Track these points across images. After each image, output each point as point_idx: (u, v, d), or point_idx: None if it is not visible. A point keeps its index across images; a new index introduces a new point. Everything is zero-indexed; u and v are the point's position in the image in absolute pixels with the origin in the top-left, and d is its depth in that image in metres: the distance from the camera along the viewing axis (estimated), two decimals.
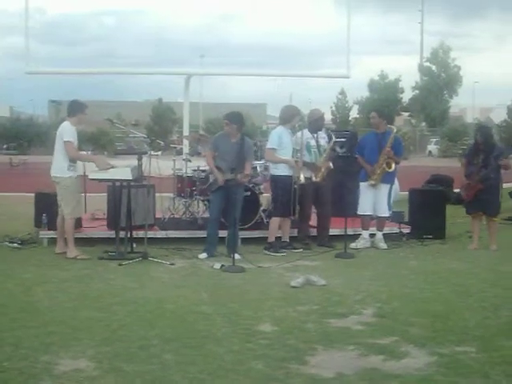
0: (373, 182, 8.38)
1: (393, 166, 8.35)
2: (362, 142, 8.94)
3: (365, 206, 8.47)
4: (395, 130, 8.46)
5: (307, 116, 8.80)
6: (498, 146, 8.87)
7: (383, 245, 8.45)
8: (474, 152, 8.41)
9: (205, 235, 7.89)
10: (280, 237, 8.27)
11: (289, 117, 8.19)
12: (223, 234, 7.91)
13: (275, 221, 8.13)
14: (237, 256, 7.24)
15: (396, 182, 12.56)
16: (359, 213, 8.46)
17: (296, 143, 8.33)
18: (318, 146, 8.38)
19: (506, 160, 8.26)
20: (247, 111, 42.06)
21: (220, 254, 7.77)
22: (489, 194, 8.26)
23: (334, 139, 8.51)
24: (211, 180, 7.74)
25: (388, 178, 8.46)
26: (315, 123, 8.53)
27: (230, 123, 7.67)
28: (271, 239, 8.09)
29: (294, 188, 7.99)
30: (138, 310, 5.33)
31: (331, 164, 8.32)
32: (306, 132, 8.46)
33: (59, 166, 7.50)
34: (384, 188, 8.46)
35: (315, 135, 8.41)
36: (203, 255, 7.63)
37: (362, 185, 8.50)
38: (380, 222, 8.60)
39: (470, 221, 8.70)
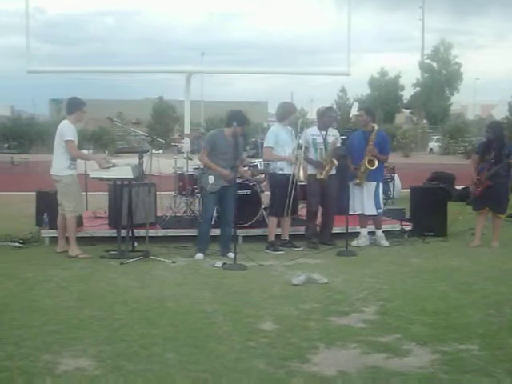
0: (357, 181, 8.35)
1: (375, 163, 8.29)
2: (349, 141, 8.85)
3: (354, 205, 8.43)
4: (376, 128, 8.39)
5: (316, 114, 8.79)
6: (510, 143, 8.78)
7: (385, 242, 8.43)
8: (486, 149, 8.37)
9: None
10: (280, 235, 8.25)
11: (285, 114, 8.12)
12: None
13: (272, 219, 8.11)
14: (231, 254, 7.23)
15: (397, 179, 12.62)
16: (350, 212, 8.33)
17: (304, 140, 8.33)
18: (326, 143, 8.31)
19: None
20: (248, 109, 42.06)
21: (220, 252, 7.73)
22: (498, 191, 8.23)
23: (336, 136, 8.44)
24: (210, 181, 7.47)
25: (373, 176, 8.35)
26: (321, 120, 8.51)
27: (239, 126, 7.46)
28: (271, 238, 8.07)
29: (294, 187, 7.91)
30: (140, 308, 5.32)
31: (335, 161, 8.25)
32: (314, 129, 8.45)
33: (60, 165, 7.48)
34: (370, 186, 8.37)
35: (323, 132, 8.36)
36: (199, 255, 7.54)
37: (351, 184, 8.45)
38: (376, 220, 8.55)
39: (475, 217, 8.68)
